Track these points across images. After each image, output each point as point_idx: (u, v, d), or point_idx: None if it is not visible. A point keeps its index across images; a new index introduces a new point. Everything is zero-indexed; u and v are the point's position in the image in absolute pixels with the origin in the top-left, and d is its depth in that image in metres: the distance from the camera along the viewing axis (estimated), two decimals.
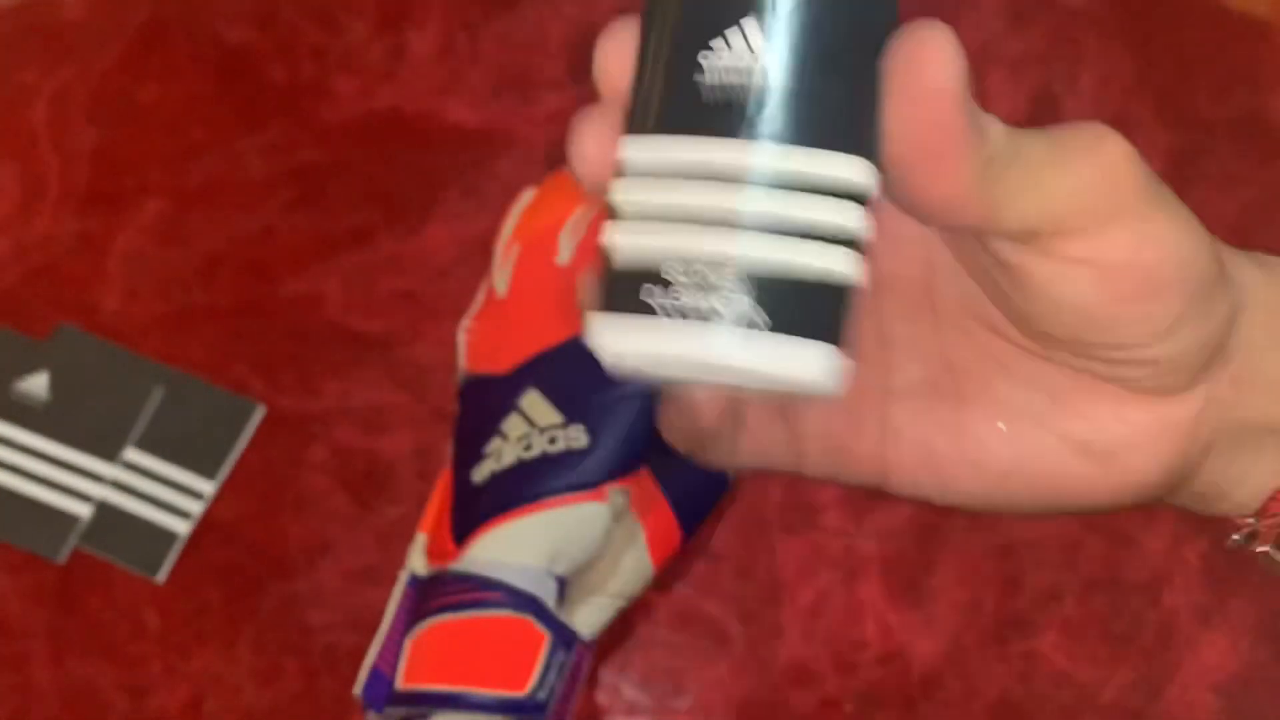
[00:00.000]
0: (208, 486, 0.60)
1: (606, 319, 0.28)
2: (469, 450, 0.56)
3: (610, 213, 0.28)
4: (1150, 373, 0.30)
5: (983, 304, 0.31)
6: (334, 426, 0.61)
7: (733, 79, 0.27)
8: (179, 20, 0.70)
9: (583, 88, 0.70)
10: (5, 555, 0.59)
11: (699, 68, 0.27)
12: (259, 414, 0.61)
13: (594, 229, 0.59)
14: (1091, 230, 0.28)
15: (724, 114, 0.27)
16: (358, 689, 0.54)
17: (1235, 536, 0.35)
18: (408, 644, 0.52)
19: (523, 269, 0.59)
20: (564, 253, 0.58)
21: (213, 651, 0.57)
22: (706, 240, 0.26)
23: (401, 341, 0.63)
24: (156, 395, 0.61)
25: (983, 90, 0.74)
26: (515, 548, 0.53)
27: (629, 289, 0.27)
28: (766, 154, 0.27)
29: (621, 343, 0.27)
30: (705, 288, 0.26)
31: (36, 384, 0.61)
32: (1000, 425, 0.31)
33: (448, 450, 0.59)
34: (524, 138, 0.67)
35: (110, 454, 0.60)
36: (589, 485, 0.54)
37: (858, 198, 0.27)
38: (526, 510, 0.54)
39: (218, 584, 0.58)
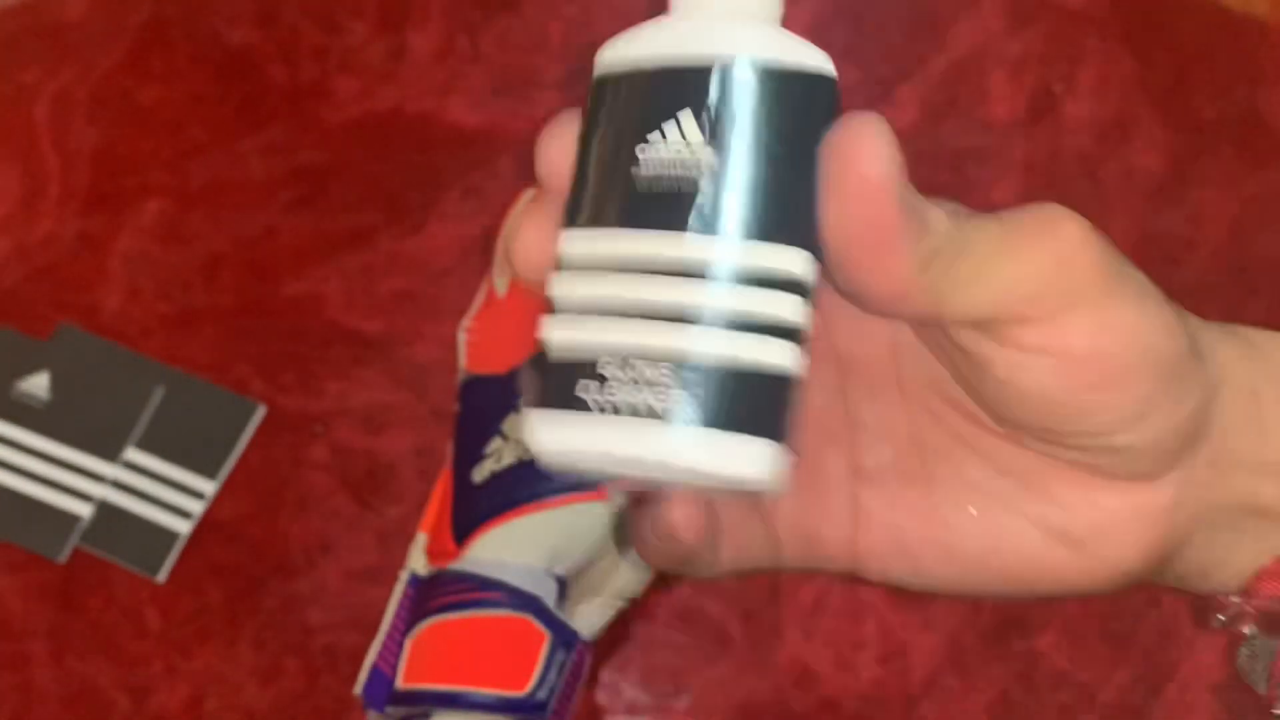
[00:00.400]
0: (208, 486, 0.60)
1: (541, 415, 0.27)
2: (469, 450, 0.56)
3: (548, 306, 0.28)
4: (1121, 460, 0.29)
5: (950, 385, 0.30)
6: (335, 426, 0.61)
7: (669, 171, 0.27)
8: (180, 20, 0.70)
9: (582, 89, 0.71)
10: (6, 555, 0.59)
11: (635, 160, 0.27)
12: (259, 414, 0.61)
13: None
14: (1047, 319, 0.27)
15: (660, 207, 0.26)
16: (358, 688, 0.54)
17: (1220, 617, 0.34)
18: (408, 643, 0.52)
19: None
20: None
21: (213, 651, 0.57)
22: (642, 334, 0.26)
23: (402, 341, 0.63)
24: (157, 395, 0.61)
25: (983, 91, 0.74)
26: (516, 547, 0.53)
27: (564, 384, 0.27)
28: (702, 247, 0.26)
29: (556, 439, 0.27)
30: (641, 383, 0.26)
31: (37, 384, 0.61)
32: (971, 510, 0.30)
33: (448, 450, 0.59)
34: (524, 138, 0.67)
35: (111, 454, 0.60)
36: (589, 485, 0.54)
37: (797, 290, 0.27)
38: (527, 510, 0.54)
39: (218, 583, 0.58)
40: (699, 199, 0.26)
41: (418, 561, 0.56)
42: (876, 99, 0.68)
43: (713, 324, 0.26)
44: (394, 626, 0.54)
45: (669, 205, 0.26)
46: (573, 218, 0.28)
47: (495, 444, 0.55)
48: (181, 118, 0.67)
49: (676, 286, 0.26)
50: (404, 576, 0.56)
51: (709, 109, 0.27)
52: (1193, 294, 0.66)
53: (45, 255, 0.64)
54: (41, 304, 0.63)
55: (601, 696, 0.57)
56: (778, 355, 0.26)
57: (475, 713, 0.51)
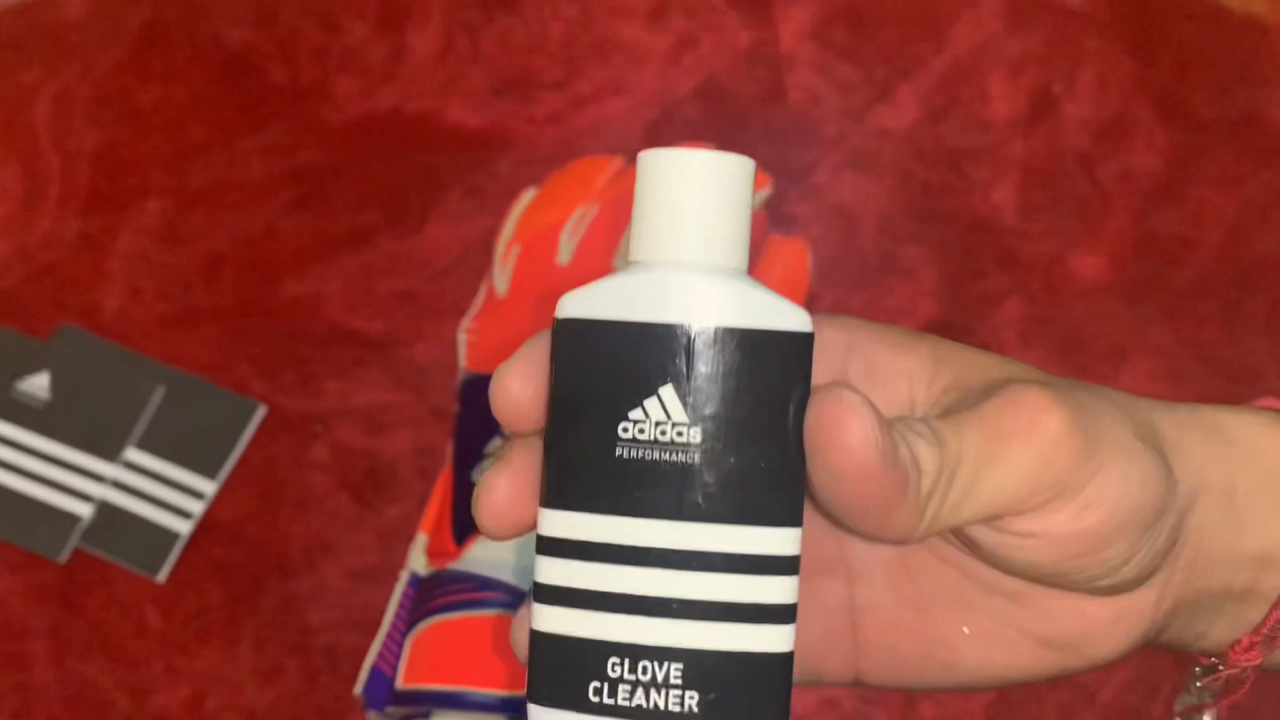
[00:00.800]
0: (209, 486, 0.60)
1: (553, 715, 0.27)
2: (469, 450, 0.56)
3: (539, 593, 0.27)
4: (1104, 588, 0.31)
5: None
6: (335, 426, 0.61)
7: (653, 453, 0.26)
8: (180, 21, 0.70)
9: (582, 89, 0.71)
10: (7, 555, 0.59)
11: (617, 438, 0.26)
12: (260, 414, 0.61)
13: (593, 230, 0.60)
14: (1035, 509, 0.29)
15: (648, 490, 0.26)
16: (358, 688, 0.54)
17: (1198, 672, 0.36)
18: (408, 643, 0.52)
19: (523, 269, 0.59)
20: (564, 253, 0.58)
21: (214, 651, 0.57)
22: (649, 633, 0.26)
23: (402, 341, 0.63)
24: (158, 395, 0.61)
25: (983, 92, 0.74)
26: (515, 547, 0.53)
27: (572, 682, 0.27)
28: (697, 536, 0.26)
29: None
30: (652, 685, 0.26)
31: (38, 384, 0.61)
32: (964, 629, 0.32)
33: (448, 450, 0.59)
34: (524, 138, 0.67)
35: (111, 454, 0.60)
36: None
37: (791, 568, 0.27)
38: None
39: (219, 583, 0.58)
40: (688, 482, 0.26)
41: (418, 561, 0.56)
42: (876, 99, 0.68)
43: (718, 619, 0.26)
44: (394, 626, 0.54)
45: (657, 488, 0.26)
46: (554, 497, 0.27)
47: (495, 444, 0.55)
48: (182, 118, 0.67)
49: (675, 578, 0.26)
50: (404, 576, 0.56)
51: (689, 383, 0.26)
52: (1192, 294, 0.66)
53: (45, 255, 0.64)
54: (42, 304, 0.63)
55: None
56: (782, 641, 0.27)
57: (475, 713, 0.51)
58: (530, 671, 0.27)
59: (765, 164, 0.65)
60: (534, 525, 0.28)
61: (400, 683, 0.52)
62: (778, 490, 0.27)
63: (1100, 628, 0.31)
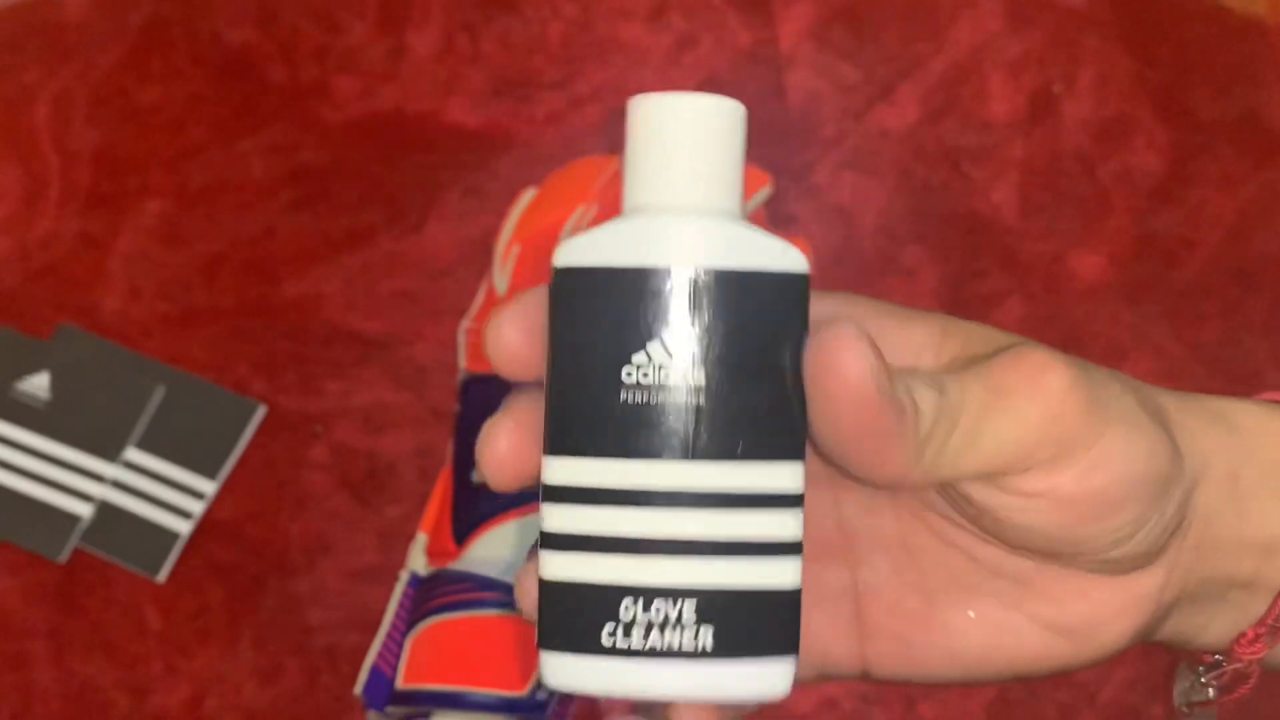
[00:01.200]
0: (209, 486, 0.60)
1: (566, 660, 0.27)
2: (469, 450, 0.56)
3: (546, 541, 0.27)
4: (1111, 564, 0.30)
5: (939, 498, 0.31)
6: (335, 426, 0.61)
7: (656, 397, 0.26)
8: (180, 21, 0.70)
9: (581, 89, 0.71)
10: (7, 555, 0.59)
11: (619, 383, 0.26)
12: (260, 414, 0.61)
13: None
14: (1039, 467, 0.28)
15: (652, 432, 0.26)
16: (358, 688, 0.54)
17: (1201, 670, 0.35)
18: (408, 643, 0.52)
19: (523, 269, 0.59)
20: None
21: (213, 651, 0.57)
22: (657, 572, 0.27)
23: (402, 341, 0.63)
24: (158, 395, 0.61)
25: (983, 91, 0.74)
26: (515, 547, 0.53)
27: (585, 627, 0.27)
28: (703, 474, 0.26)
29: (587, 681, 0.27)
30: (667, 624, 0.27)
31: (38, 384, 0.61)
32: (970, 613, 0.31)
33: (448, 450, 0.59)
34: (524, 138, 0.67)
35: (111, 454, 0.60)
36: None
37: (796, 502, 0.27)
38: (527, 510, 0.54)
39: (219, 583, 0.58)
40: (692, 422, 0.26)
41: (417, 561, 0.56)
42: (876, 99, 0.68)
43: (729, 555, 0.27)
44: (394, 626, 0.54)
45: (661, 430, 0.26)
46: (558, 443, 0.27)
47: None
48: (182, 118, 0.67)
49: (683, 517, 0.27)
50: (404, 576, 0.56)
51: (687, 331, 0.26)
52: (1191, 293, 0.66)
53: (46, 255, 0.64)
54: (42, 304, 0.63)
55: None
56: (790, 575, 0.27)
57: (475, 713, 0.51)
58: (541, 620, 0.27)
59: (765, 164, 0.65)
60: (537, 474, 0.28)
61: (400, 682, 0.52)
62: (779, 426, 0.27)
63: (1107, 612, 0.31)
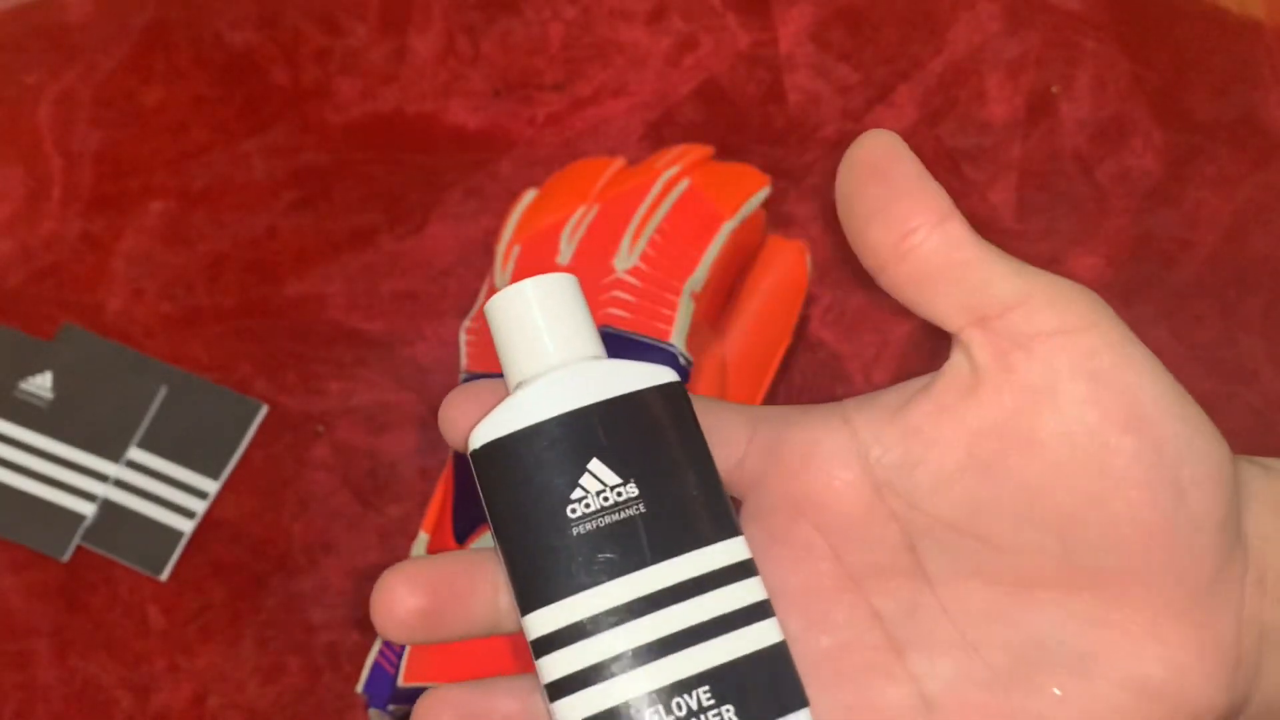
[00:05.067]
0: (211, 485, 0.60)
1: None
2: None
3: (554, 692, 0.29)
4: (1163, 575, 0.28)
5: (974, 550, 0.29)
6: (337, 426, 0.61)
7: (605, 519, 0.29)
8: (182, 22, 0.70)
9: (582, 91, 0.71)
10: (10, 554, 0.59)
11: (569, 523, 0.29)
12: (262, 413, 0.61)
13: (593, 230, 0.60)
14: (1066, 329, 0.28)
15: (614, 552, 0.29)
16: (360, 686, 0.54)
17: None
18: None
19: (523, 269, 0.59)
20: (564, 253, 0.58)
21: (216, 649, 0.57)
22: (668, 672, 0.28)
23: (404, 341, 0.63)
24: (160, 395, 0.61)
25: (981, 93, 0.74)
26: None
27: None
28: (667, 572, 0.29)
29: None
30: (691, 715, 0.28)
31: (41, 383, 0.61)
32: (1055, 691, 0.29)
33: (449, 450, 0.59)
34: (524, 139, 0.67)
35: (114, 453, 0.60)
36: None
37: (750, 568, 0.30)
38: None
39: (221, 582, 0.59)
40: (641, 531, 0.29)
41: None
42: (875, 100, 0.68)
43: (716, 633, 0.29)
44: None
45: (619, 547, 0.29)
46: (532, 599, 0.29)
47: None
48: (184, 119, 0.67)
49: (666, 615, 0.29)
50: None
51: (609, 449, 0.29)
52: (1189, 294, 0.67)
53: (49, 255, 0.64)
54: (45, 304, 0.63)
55: None
56: (772, 631, 0.29)
57: None
58: None
59: (764, 165, 0.65)
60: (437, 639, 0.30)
61: (402, 680, 0.52)
62: (712, 510, 0.30)
63: (1186, 656, 0.28)
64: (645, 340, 0.54)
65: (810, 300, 0.64)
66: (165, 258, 0.64)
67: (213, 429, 0.61)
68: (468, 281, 0.64)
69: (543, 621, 0.29)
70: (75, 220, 0.65)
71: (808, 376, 0.62)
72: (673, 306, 0.54)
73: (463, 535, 0.54)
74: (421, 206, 0.66)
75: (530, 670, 0.34)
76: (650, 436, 0.30)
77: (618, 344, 0.54)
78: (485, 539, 0.53)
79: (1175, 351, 0.63)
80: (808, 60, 0.69)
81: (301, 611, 0.58)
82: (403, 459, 0.60)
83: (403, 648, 0.53)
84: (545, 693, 0.29)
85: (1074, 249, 0.65)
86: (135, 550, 0.59)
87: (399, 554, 0.58)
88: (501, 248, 0.61)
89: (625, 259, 0.56)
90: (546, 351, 0.30)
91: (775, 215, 0.65)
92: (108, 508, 0.59)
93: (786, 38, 0.70)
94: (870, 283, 0.64)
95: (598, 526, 0.29)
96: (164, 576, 0.58)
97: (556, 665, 0.28)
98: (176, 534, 0.59)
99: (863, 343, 0.63)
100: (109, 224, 0.65)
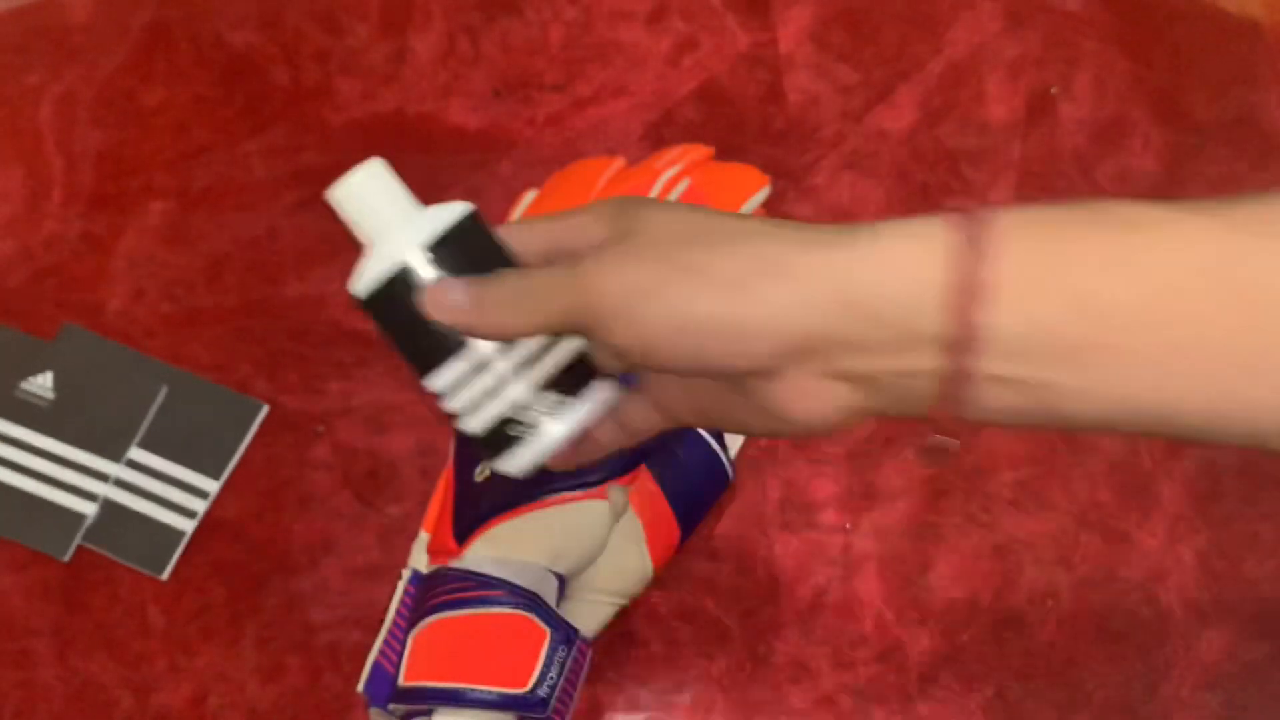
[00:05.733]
0: (212, 485, 0.60)
1: (506, 457, 0.40)
2: (471, 450, 0.56)
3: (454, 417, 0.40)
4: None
5: None
6: (337, 426, 0.61)
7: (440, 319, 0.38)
8: (183, 23, 0.70)
9: (582, 91, 0.71)
10: (10, 553, 0.59)
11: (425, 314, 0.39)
12: (263, 413, 0.61)
13: None
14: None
15: (446, 346, 0.39)
16: (361, 685, 0.54)
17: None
18: (410, 641, 0.52)
19: None
20: None
21: (216, 649, 0.58)
22: (516, 393, 0.39)
23: None
24: (161, 395, 0.61)
25: (981, 93, 0.74)
26: (517, 546, 0.53)
27: (503, 437, 0.39)
28: (488, 352, 0.39)
29: (524, 463, 0.39)
30: (541, 412, 0.39)
31: (42, 384, 0.61)
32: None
33: (449, 450, 0.59)
34: (525, 140, 0.67)
35: (115, 453, 0.60)
36: (590, 484, 0.54)
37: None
38: (527, 509, 0.54)
39: (221, 582, 0.59)
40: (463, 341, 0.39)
41: (419, 560, 0.56)
42: (875, 100, 0.68)
43: (530, 367, 0.39)
44: (396, 624, 0.55)
45: (448, 346, 0.39)
46: (424, 372, 0.39)
47: None
48: (185, 119, 0.68)
49: (499, 368, 0.39)
50: (406, 574, 0.56)
51: (441, 265, 0.38)
52: None
53: (49, 256, 0.64)
54: (46, 304, 0.63)
55: (602, 693, 0.57)
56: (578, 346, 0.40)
57: (477, 709, 0.51)
58: (487, 454, 0.40)
59: (764, 165, 0.66)
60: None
61: (402, 680, 0.52)
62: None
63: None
64: None
65: None
66: (166, 258, 0.65)
67: (213, 429, 0.61)
68: None
69: (430, 382, 0.39)
70: (76, 220, 0.65)
71: None
72: None
73: (463, 535, 0.54)
74: None
75: None
76: (470, 249, 0.38)
77: None
78: (486, 538, 0.54)
79: None
80: (807, 61, 0.69)
81: (302, 611, 0.58)
82: (403, 459, 0.60)
83: (403, 648, 0.53)
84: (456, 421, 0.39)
85: None
86: (136, 550, 0.59)
87: (399, 553, 0.58)
88: None
89: None
90: (384, 217, 0.40)
91: (776, 215, 0.66)
92: (109, 507, 0.60)
93: (786, 38, 0.70)
94: None
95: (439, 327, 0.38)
96: (165, 576, 0.59)
97: (458, 400, 0.39)
98: (178, 534, 0.59)
99: None
100: (110, 224, 0.65)
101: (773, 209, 0.65)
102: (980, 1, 0.71)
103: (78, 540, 0.59)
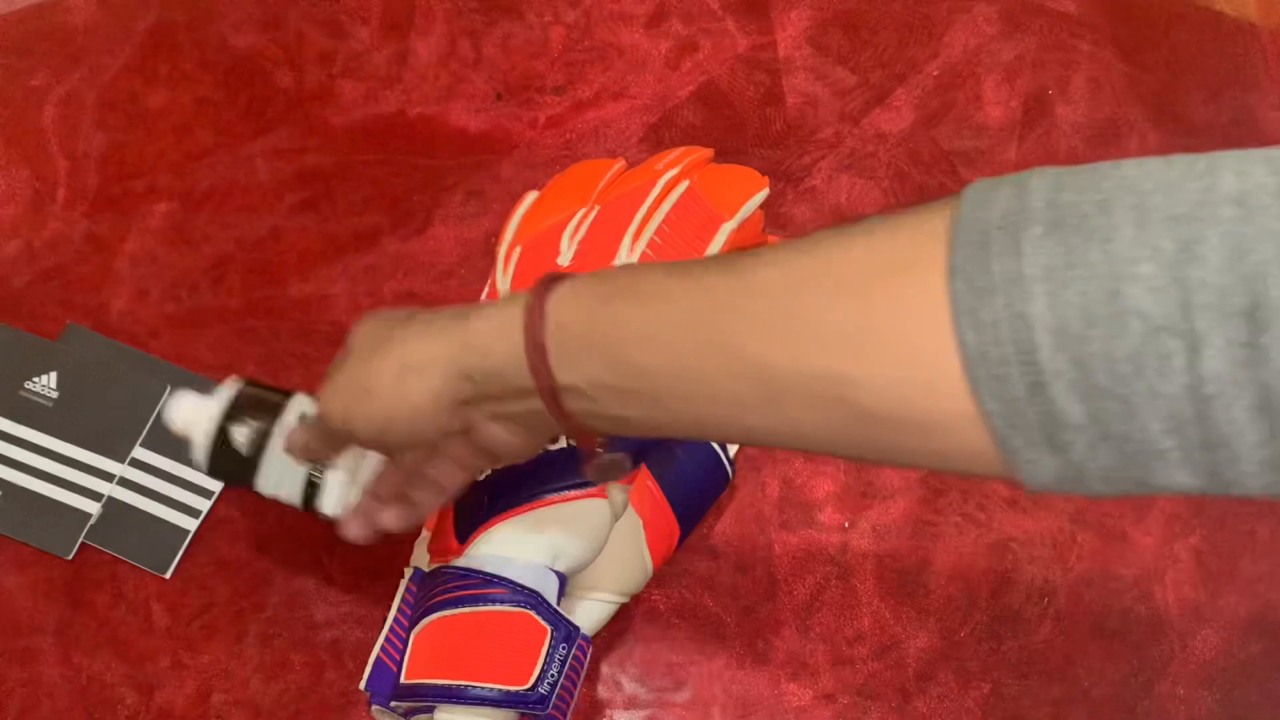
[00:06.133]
0: (215, 484, 0.60)
1: (317, 503, 0.52)
2: None
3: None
4: None
5: None
6: None
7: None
8: (187, 26, 0.70)
9: (582, 93, 0.71)
10: (15, 552, 0.59)
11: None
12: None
13: (594, 231, 0.60)
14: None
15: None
16: (363, 683, 0.54)
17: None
18: (412, 638, 0.53)
19: (524, 270, 0.59)
20: (565, 254, 0.59)
21: (220, 646, 0.58)
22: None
23: None
24: (165, 394, 0.61)
25: (977, 95, 0.74)
26: (518, 544, 0.53)
27: (312, 491, 0.52)
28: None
29: (330, 505, 0.52)
30: (325, 469, 0.51)
31: (46, 384, 0.62)
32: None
33: None
34: (525, 141, 0.67)
35: (120, 453, 0.61)
36: (590, 484, 0.54)
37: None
38: (529, 508, 0.54)
39: (225, 580, 0.59)
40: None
41: (421, 558, 0.56)
42: (872, 102, 0.69)
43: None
44: (398, 622, 0.55)
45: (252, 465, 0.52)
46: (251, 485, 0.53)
47: None
48: (188, 121, 0.68)
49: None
50: (408, 573, 0.56)
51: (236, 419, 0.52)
52: None
53: (54, 257, 0.65)
54: (50, 304, 0.63)
55: (602, 690, 0.57)
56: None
57: (478, 706, 0.51)
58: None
59: (763, 167, 0.66)
60: None
61: (404, 677, 0.52)
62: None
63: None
64: None
65: None
66: (170, 259, 0.65)
67: None
68: (469, 282, 0.64)
69: (260, 482, 0.52)
70: (80, 221, 0.65)
71: None
72: None
73: (465, 534, 0.54)
74: (423, 208, 0.66)
75: None
76: (249, 404, 0.51)
77: None
78: (487, 537, 0.54)
79: None
80: (806, 63, 0.70)
81: (305, 609, 0.58)
82: None
83: (405, 645, 0.53)
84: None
85: None
86: (140, 549, 0.59)
87: (402, 551, 0.58)
88: (503, 249, 0.61)
89: (626, 259, 0.57)
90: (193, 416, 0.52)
91: (774, 216, 0.66)
92: (113, 506, 0.60)
93: (785, 41, 0.70)
94: None
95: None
96: (169, 574, 0.59)
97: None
98: (181, 532, 0.59)
99: None
100: (114, 225, 0.65)
101: (771, 210, 0.66)
102: (977, 5, 0.71)
103: (81, 539, 0.59)
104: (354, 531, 0.50)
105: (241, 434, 0.52)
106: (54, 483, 0.60)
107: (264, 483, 0.52)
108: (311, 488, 0.52)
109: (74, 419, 0.61)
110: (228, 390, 0.52)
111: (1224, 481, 0.32)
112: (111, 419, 0.61)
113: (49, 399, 0.61)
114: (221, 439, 0.51)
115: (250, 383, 0.53)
